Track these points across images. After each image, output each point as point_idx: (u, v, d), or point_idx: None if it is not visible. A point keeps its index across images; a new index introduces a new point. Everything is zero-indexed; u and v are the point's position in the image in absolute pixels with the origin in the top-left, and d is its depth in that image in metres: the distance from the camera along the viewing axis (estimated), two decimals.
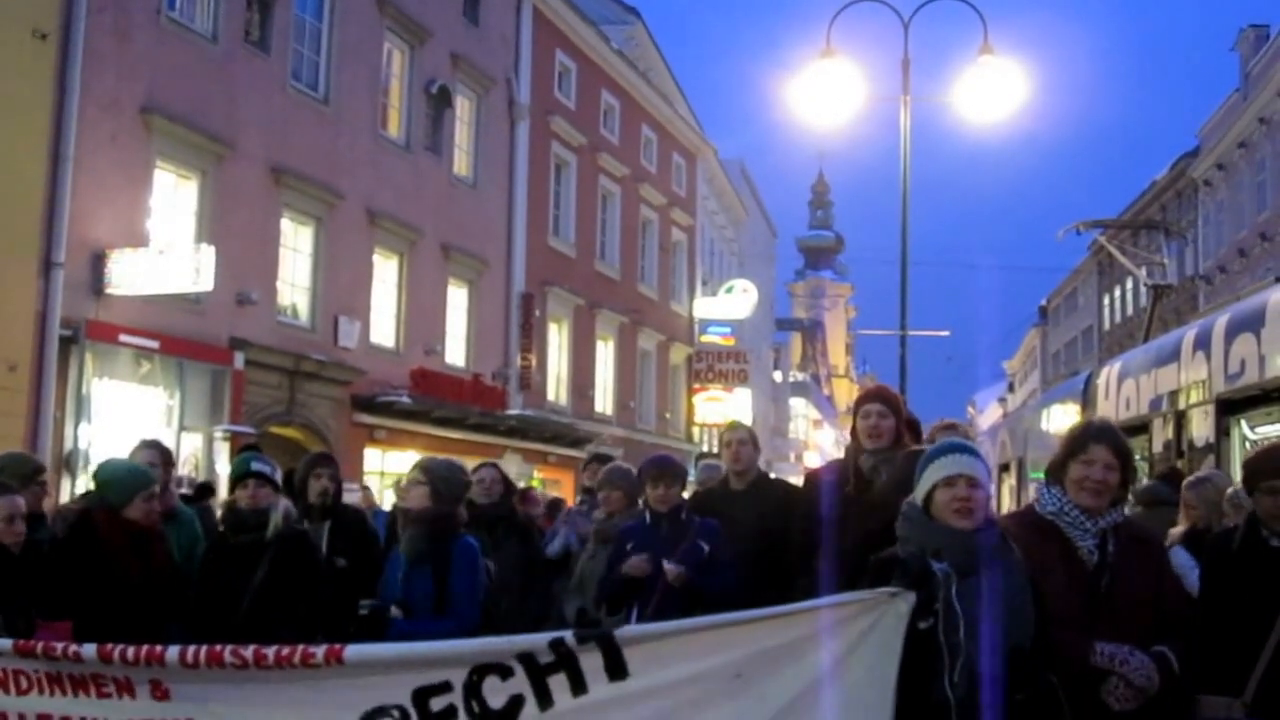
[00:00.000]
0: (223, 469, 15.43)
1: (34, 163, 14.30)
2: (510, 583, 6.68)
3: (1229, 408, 7.64)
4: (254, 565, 5.36)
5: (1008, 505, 12.30)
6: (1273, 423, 7.22)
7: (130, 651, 3.71)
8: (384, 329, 21.49)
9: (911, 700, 3.35)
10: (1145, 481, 8.20)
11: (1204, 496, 5.47)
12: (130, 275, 15.01)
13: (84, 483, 13.88)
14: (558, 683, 3.51)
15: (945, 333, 44.57)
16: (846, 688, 3.38)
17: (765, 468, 6.93)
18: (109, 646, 3.74)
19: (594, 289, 30.10)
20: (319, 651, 3.61)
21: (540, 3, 27.26)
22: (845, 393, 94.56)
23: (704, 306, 38.57)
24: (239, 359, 17.18)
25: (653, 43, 37.33)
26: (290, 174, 18.64)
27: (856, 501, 5.00)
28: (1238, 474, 5.97)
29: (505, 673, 3.53)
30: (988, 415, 79.39)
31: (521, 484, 11.73)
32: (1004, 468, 13.65)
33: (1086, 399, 10.87)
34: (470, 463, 7.14)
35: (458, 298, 24.08)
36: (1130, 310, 43.89)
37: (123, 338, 15.16)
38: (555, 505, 10.94)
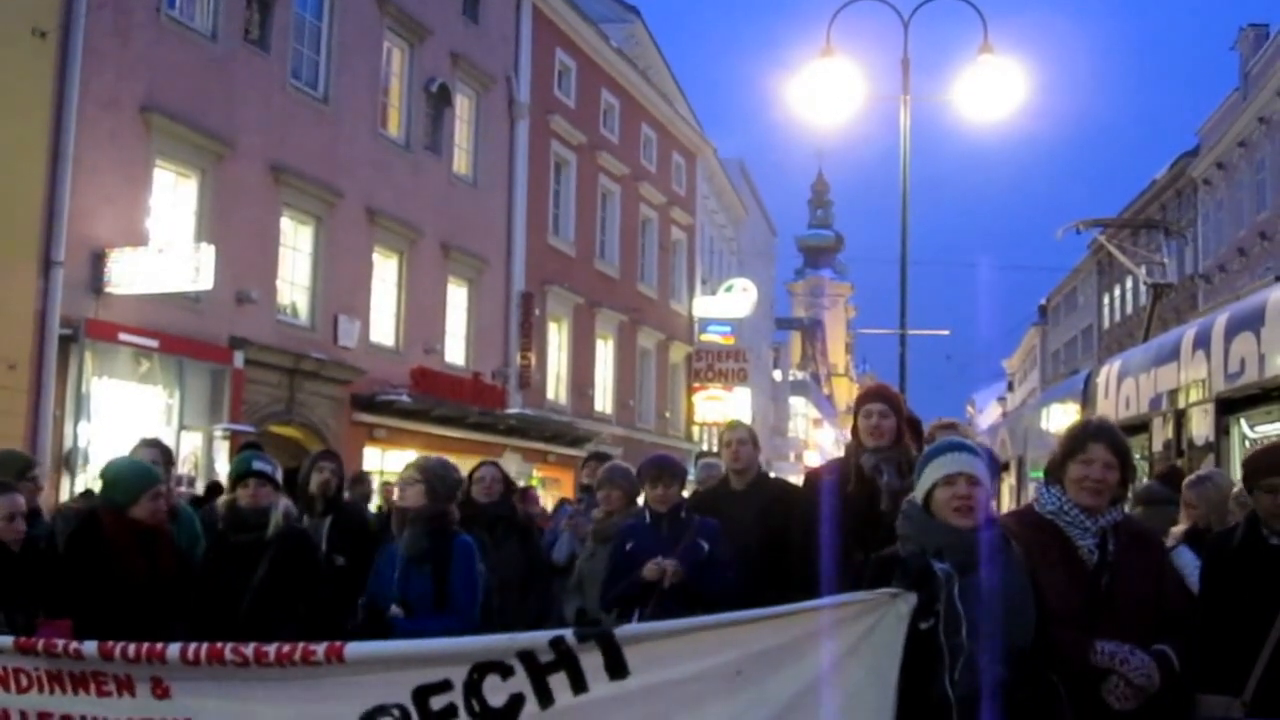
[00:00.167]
0: (222, 468, 15.43)
1: (33, 161, 14.29)
2: (510, 582, 6.68)
3: (1229, 407, 7.64)
4: (254, 564, 5.36)
5: (1008, 504, 12.30)
6: (1272, 422, 7.22)
7: (131, 649, 3.71)
8: (384, 328, 21.49)
9: (912, 700, 3.35)
10: (1145, 481, 8.21)
11: (1205, 495, 5.45)
12: (130, 274, 15.00)
13: (83, 481, 13.89)
14: (558, 681, 3.51)
15: (945, 332, 44.57)
16: (847, 688, 3.38)
17: (765, 467, 6.93)
18: (110, 644, 3.74)
19: (593, 288, 30.09)
20: (319, 649, 3.61)
21: (540, 1, 27.24)
22: (845, 392, 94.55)
23: (703, 305, 38.56)
24: (239, 358, 17.17)
25: (652, 42, 37.32)
26: (290, 173, 18.64)
27: (858, 500, 5.00)
28: (1237, 473, 5.97)
29: (506, 671, 3.53)
30: (987, 414, 79.46)
31: (521, 483, 11.73)
32: (1004, 467, 13.65)
33: (1086, 398, 10.87)
34: (470, 462, 7.14)
35: (457, 297, 24.08)
36: (1130, 309, 43.89)
37: (122, 336, 15.15)
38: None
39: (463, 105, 24.37)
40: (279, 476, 5.73)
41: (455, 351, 23.88)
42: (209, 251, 15.19)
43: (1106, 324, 48.50)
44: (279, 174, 18.43)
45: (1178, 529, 5.47)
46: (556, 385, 28.51)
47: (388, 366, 21.03)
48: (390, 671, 3.64)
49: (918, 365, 14.79)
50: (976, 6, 13.32)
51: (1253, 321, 7.34)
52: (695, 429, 38.10)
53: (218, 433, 16.51)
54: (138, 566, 5.19)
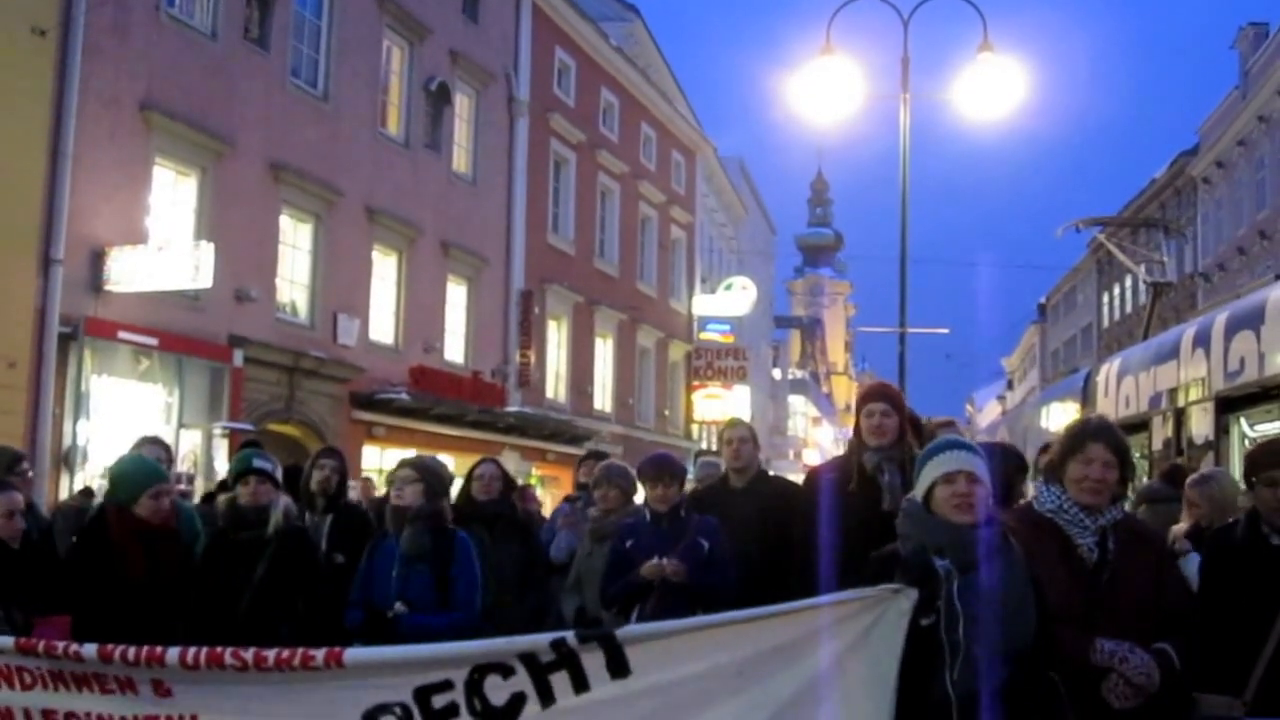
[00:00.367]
0: (222, 466, 15.43)
1: (33, 160, 14.29)
2: (509, 580, 6.67)
3: (1228, 405, 7.65)
4: (254, 562, 5.36)
5: None
6: (1272, 420, 7.23)
7: (131, 652, 3.71)
8: (383, 326, 21.48)
9: (912, 698, 3.35)
10: (1144, 479, 8.21)
11: (1208, 494, 5.42)
12: (129, 272, 15.00)
13: (82, 479, 13.90)
14: (559, 680, 3.51)
15: (944, 330, 44.47)
16: (848, 685, 3.38)
17: (764, 465, 6.93)
18: (109, 647, 3.74)
19: (593, 286, 30.09)
20: (319, 655, 3.62)
21: (539, 0, 27.25)
22: (844, 390, 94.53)
23: (703, 304, 38.55)
24: (238, 356, 17.17)
25: (652, 40, 37.31)
26: (289, 171, 18.63)
27: (860, 499, 5.00)
28: (1237, 472, 5.97)
29: (507, 671, 3.53)
30: (987, 413, 79.53)
31: (520, 481, 11.72)
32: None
33: (1086, 396, 10.88)
34: (469, 460, 7.13)
35: (457, 295, 24.07)
36: (1129, 308, 43.90)
37: (122, 335, 15.15)
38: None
39: (462, 104, 24.37)
40: (279, 474, 5.74)
41: (454, 350, 23.88)
42: (208, 250, 15.19)
43: (1106, 323, 48.51)
44: (278, 172, 18.42)
45: (1179, 527, 5.46)
46: (556, 383, 28.51)
47: (387, 365, 21.03)
48: (390, 674, 3.64)
49: (917, 364, 14.81)
50: (976, 5, 13.31)
51: (1252, 320, 7.35)
52: (694, 427, 38.10)
53: (217, 431, 16.51)
54: (139, 565, 5.17)
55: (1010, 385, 78.57)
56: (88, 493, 11.75)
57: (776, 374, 59.02)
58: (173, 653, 3.69)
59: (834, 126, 15.16)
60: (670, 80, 38.28)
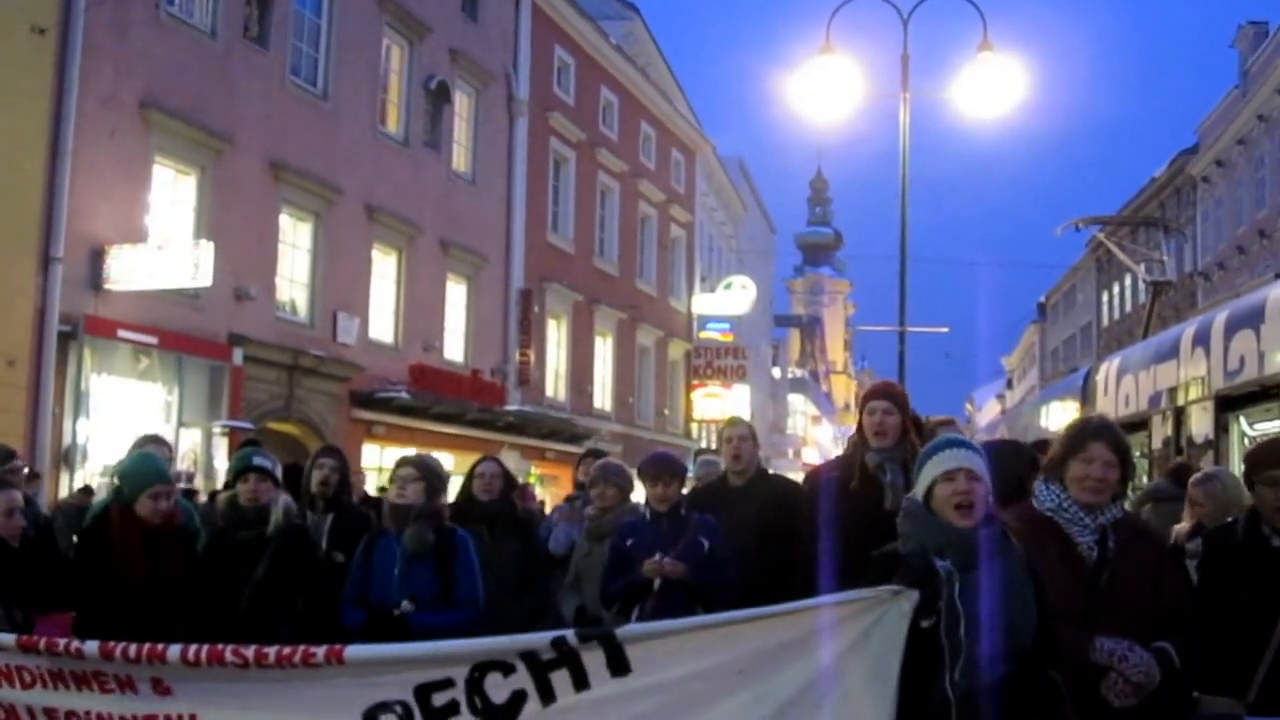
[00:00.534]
0: (221, 465, 15.43)
1: (33, 158, 14.29)
2: (509, 578, 6.67)
3: (1228, 404, 7.65)
4: (254, 561, 5.36)
5: None
6: (1272, 419, 7.23)
7: (132, 649, 3.71)
8: (382, 325, 21.48)
9: (913, 698, 3.35)
10: (1144, 478, 8.22)
11: (1211, 493, 5.40)
12: (129, 270, 15.00)
13: (81, 477, 13.91)
14: (560, 679, 3.51)
15: (944, 329, 44.35)
16: (848, 686, 3.38)
17: (764, 464, 6.92)
18: (110, 644, 3.74)
19: (592, 285, 30.09)
20: (319, 652, 3.62)
21: None
22: (843, 389, 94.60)
23: (702, 303, 38.56)
24: (237, 355, 17.18)
25: (651, 39, 37.30)
26: (289, 169, 18.63)
27: (863, 498, 4.99)
28: (1237, 471, 5.97)
29: (507, 670, 3.53)
30: (986, 411, 79.55)
31: (519, 480, 11.71)
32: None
33: (1085, 395, 10.88)
34: (469, 459, 7.12)
35: (456, 293, 24.07)
36: (1129, 307, 43.91)
37: (121, 333, 15.15)
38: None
39: (462, 102, 24.36)
40: (279, 473, 5.73)
41: (454, 348, 23.88)
42: (208, 248, 15.19)
43: (1105, 321, 48.52)
44: (278, 171, 18.42)
45: (1181, 526, 5.45)
46: (555, 382, 28.51)
47: (386, 363, 21.04)
48: (391, 672, 3.64)
49: (917, 362, 14.79)
50: (976, 4, 13.30)
51: (1252, 319, 7.34)
52: (694, 426, 38.11)
53: (216, 429, 16.51)
54: (138, 565, 5.14)
55: (1010, 384, 78.60)
56: (87, 491, 11.79)
57: (776, 373, 59.01)
58: (174, 650, 3.69)
59: (834, 125, 15.14)
60: (670, 79, 38.27)
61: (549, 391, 27.96)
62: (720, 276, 41.02)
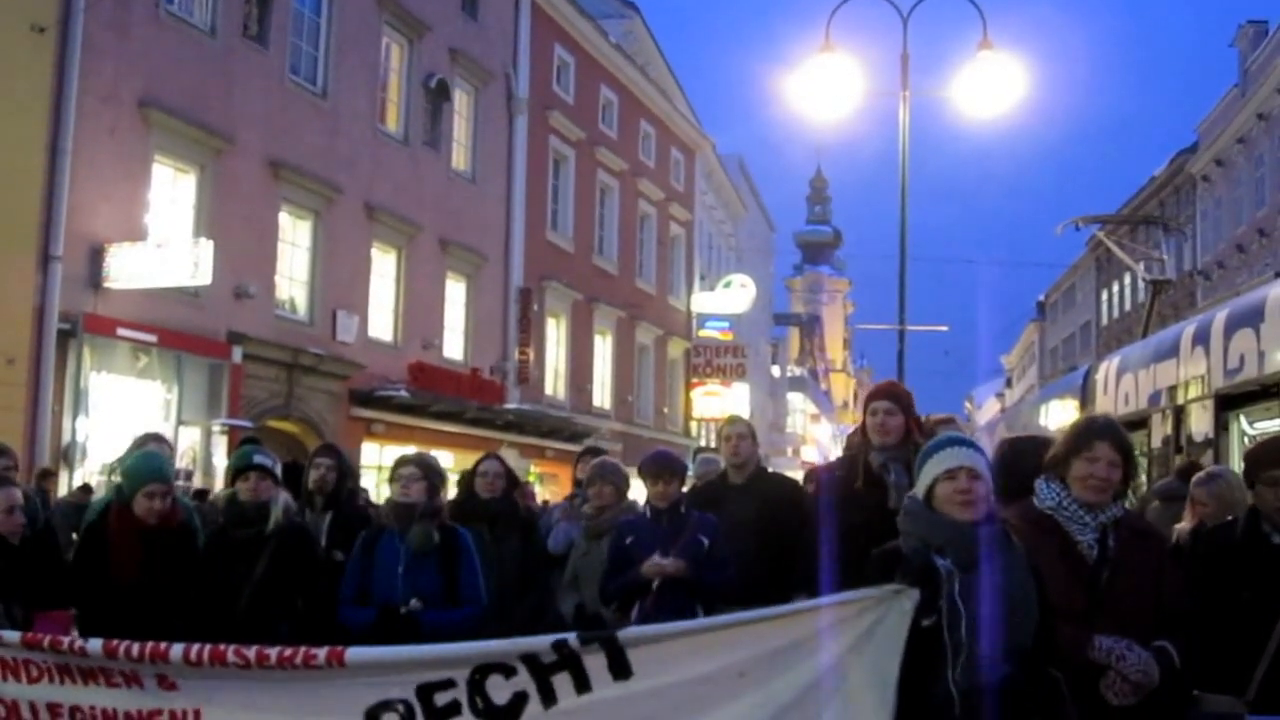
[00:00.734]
0: (220, 463, 15.43)
1: (32, 156, 14.29)
2: (511, 577, 6.67)
3: (1228, 403, 7.65)
4: (254, 559, 5.35)
5: None
6: (1272, 418, 7.23)
7: (135, 648, 3.71)
8: (382, 323, 21.48)
9: (914, 697, 3.35)
10: (1144, 478, 8.22)
11: (1215, 493, 5.37)
12: (128, 269, 15.01)
13: (81, 476, 13.90)
14: (561, 681, 3.51)
15: (943, 327, 44.33)
16: (850, 685, 3.38)
17: (763, 462, 6.93)
18: (114, 643, 3.75)
19: (592, 283, 30.09)
20: (320, 654, 3.62)
21: None
22: (843, 387, 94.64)
23: (702, 301, 38.56)
24: (237, 353, 17.17)
25: (651, 37, 37.29)
26: (288, 168, 18.62)
27: (866, 497, 4.99)
28: (1237, 470, 5.96)
29: (509, 671, 3.54)
30: (985, 410, 79.49)
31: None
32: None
33: (1085, 394, 10.88)
34: (469, 457, 7.12)
35: (456, 292, 24.07)
36: (1128, 305, 43.93)
37: (121, 331, 15.15)
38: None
39: (461, 101, 24.36)
40: (279, 471, 5.73)
41: (453, 347, 23.88)
42: (207, 247, 15.19)
43: (1105, 320, 48.54)
44: (278, 169, 18.42)
45: (1182, 526, 5.43)
46: (555, 380, 28.52)
47: (386, 361, 21.03)
48: (393, 673, 3.65)
49: (916, 361, 14.80)
50: (976, 3, 13.29)
51: (1252, 318, 7.35)
52: (693, 424, 38.12)
53: (216, 428, 16.52)
54: (134, 563, 5.14)
55: (1009, 383, 78.60)
56: (86, 489, 11.78)
57: (775, 371, 59.04)
58: (176, 650, 3.70)
59: (833, 124, 15.15)
60: (669, 77, 38.26)
61: (548, 390, 27.96)
62: (720, 275, 41.03)
